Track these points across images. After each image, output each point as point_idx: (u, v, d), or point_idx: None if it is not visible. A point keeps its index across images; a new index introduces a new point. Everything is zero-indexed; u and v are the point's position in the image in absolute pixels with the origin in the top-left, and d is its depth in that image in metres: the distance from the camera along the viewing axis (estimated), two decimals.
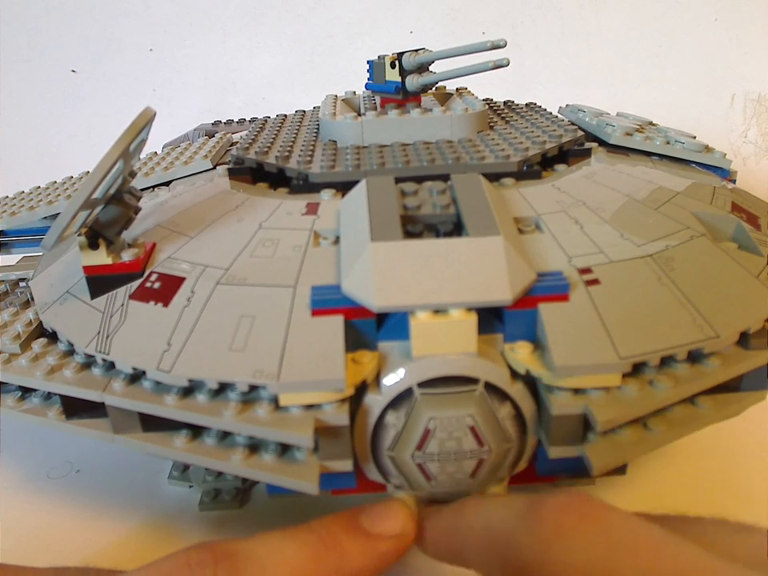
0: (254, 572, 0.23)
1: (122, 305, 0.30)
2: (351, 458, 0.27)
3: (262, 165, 0.39)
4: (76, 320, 0.31)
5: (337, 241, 0.31)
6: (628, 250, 0.30)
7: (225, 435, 0.28)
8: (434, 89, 0.50)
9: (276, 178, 0.39)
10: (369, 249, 0.27)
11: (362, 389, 0.27)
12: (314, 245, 0.31)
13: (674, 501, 0.36)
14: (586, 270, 0.28)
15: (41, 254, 0.42)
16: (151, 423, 0.29)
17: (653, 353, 0.26)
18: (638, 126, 0.46)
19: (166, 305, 0.29)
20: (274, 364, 0.26)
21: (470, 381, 0.27)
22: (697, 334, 0.27)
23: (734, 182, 0.44)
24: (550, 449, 0.27)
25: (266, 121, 0.51)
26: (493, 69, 0.40)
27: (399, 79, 0.43)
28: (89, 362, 0.30)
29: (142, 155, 0.48)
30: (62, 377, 0.30)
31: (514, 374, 0.27)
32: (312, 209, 0.33)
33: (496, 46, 0.39)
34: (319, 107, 0.47)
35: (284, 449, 0.27)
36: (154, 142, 0.41)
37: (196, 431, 0.28)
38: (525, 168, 0.36)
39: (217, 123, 0.63)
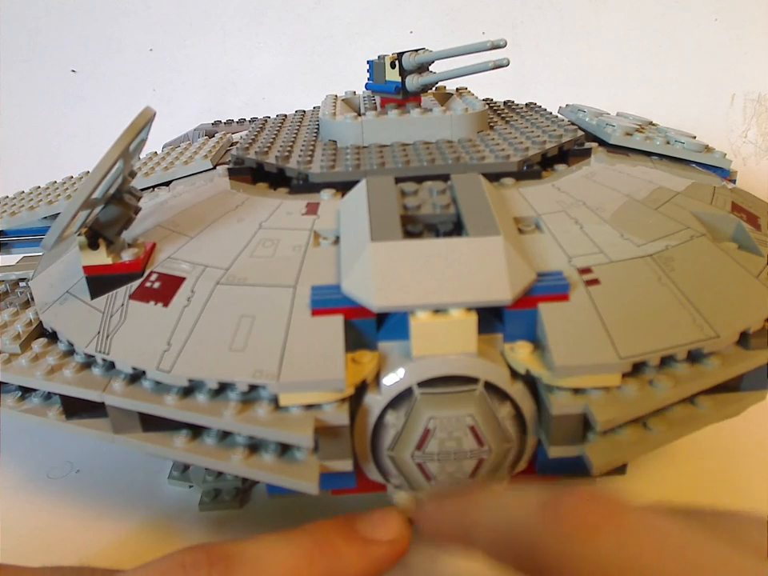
0: (248, 574, 0.23)
1: (122, 305, 0.30)
2: (351, 458, 0.27)
3: (261, 165, 0.39)
4: (76, 320, 0.31)
5: (337, 241, 0.31)
6: (628, 250, 0.30)
7: (225, 435, 0.28)
8: (433, 89, 0.50)
9: (276, 178, 0.39)
10: (369, 249, 0.27)
11: (361, 389, 0.27)
12: (314, 245, 0.31)
13: (674, 501, 0.35)
14: (585, 270, 0.28)
15: (41, 254, 0.42)
16: (151, 423, 0.29)
17: (653, 353, 0.26)
18: (638, 126, 0.46)
19: (165, 305, 0.29)
20: (273, 364, 0.26)
21: (470, 381, 0.27)
22: (697, 333, 0.27)
23: (734, 181, 0.44)
24: (550, 449, 0.27)
25: (265, 121, 0.51)
26: (493, 69, 0.40)
27: (399, 79, 0.43)
28: (89, 362, 0.30)
29: (142, 155, 0.48)
30: (62, 377, 0.30)
31: (514, 374, 0.27)
32: (312, 209, 0.33)
33: (496, 46, 0.39)
34: (319, 107, 0.47)
35: (284, 449, 0.27)
36: (154, 142, 0.41)
37: (196, 431, 0.28)
38: (525, 168, 0.36)
39: (217, 123, 0.63)
